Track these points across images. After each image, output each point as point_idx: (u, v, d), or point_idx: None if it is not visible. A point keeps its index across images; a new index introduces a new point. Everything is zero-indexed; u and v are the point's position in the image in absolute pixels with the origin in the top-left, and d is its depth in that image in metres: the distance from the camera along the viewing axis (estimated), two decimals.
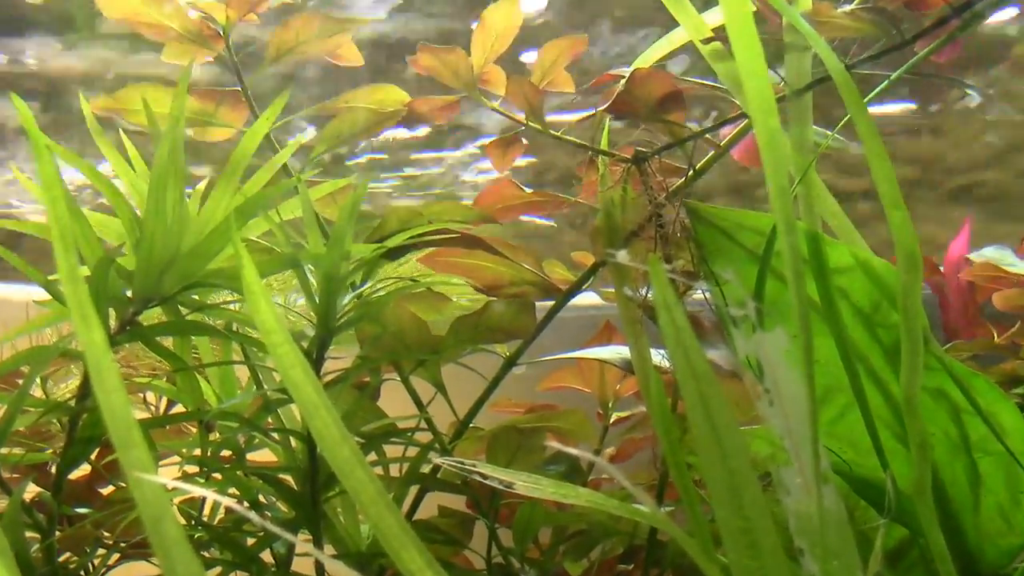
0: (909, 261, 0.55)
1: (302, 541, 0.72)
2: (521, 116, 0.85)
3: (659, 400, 0.43)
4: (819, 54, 0.59)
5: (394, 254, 0.82)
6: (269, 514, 0.77)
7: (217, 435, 0.79)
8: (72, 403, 0.72)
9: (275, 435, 0.76)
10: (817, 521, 0.40)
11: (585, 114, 0.84)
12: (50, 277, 0.69)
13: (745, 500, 0.38)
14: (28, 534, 0.71)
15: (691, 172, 0.82)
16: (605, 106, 0.79)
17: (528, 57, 0.94)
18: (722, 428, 0.38)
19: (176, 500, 0.80)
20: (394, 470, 0.83)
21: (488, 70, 0.87)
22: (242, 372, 0.83)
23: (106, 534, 0.81)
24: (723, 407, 0.38)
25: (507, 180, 0.88)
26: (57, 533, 0.74)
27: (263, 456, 0.80)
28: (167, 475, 0.52)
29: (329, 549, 0.78)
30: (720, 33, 0.73)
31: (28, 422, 0.75)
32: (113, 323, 0.71)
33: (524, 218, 0.91)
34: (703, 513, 0.42)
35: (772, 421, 0.40)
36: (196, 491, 0.55)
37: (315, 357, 0.72)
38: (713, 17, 0.75)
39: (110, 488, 0.88)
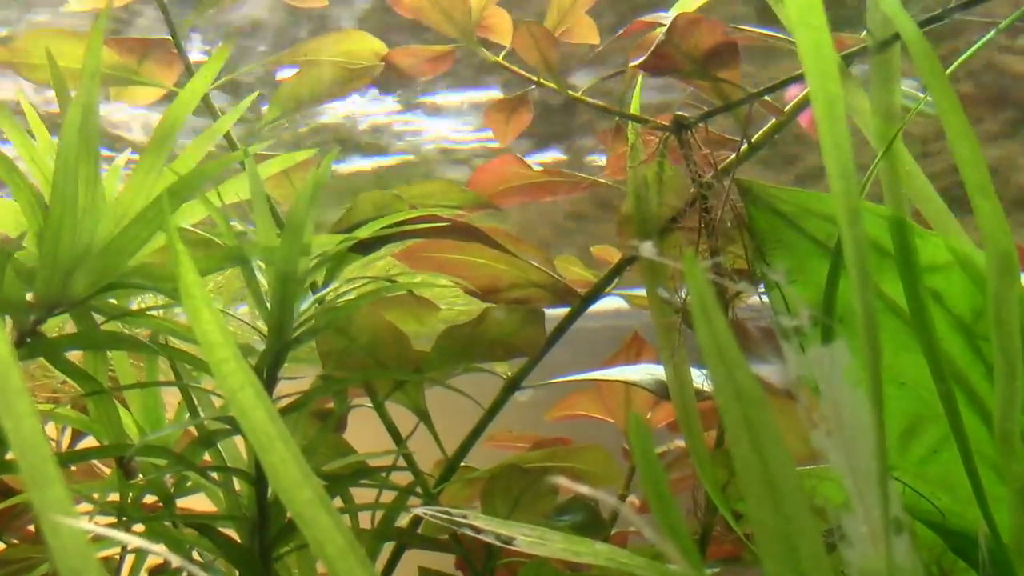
0: (1002, 261, 0.57)
1: None
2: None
3: (695, 431, 0.45)
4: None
5: (367, 248, 0.84)
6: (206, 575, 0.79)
7: (140, 476, 0.81)
8: None
9: (214, 475, 0.78)
10: None
11: None
12: None
13: (803, 553, 0.40)
14: None
15: (745, 144, 0.83)
16: (639, 60, 0.81)
17: None
18: (774, 464, 0.40)
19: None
20: (364, 520, 0.85)
21: (490, 13, 0.89)
22: (172, 396, 0.85)
23: None
24: (775, 438, 0.40)
25: (510, 155, 0.89)
26: None
27: (198, 502, 0.82)
28: None
29: None
30: None
31: None
32: (9, 333, 0.73)
33: None
34: None
35: (829, 455, 0.42)
36: (129, 540, 0.57)
37: (266, 377, 0.74)
38: None
39: (0, 546, 0.90)
